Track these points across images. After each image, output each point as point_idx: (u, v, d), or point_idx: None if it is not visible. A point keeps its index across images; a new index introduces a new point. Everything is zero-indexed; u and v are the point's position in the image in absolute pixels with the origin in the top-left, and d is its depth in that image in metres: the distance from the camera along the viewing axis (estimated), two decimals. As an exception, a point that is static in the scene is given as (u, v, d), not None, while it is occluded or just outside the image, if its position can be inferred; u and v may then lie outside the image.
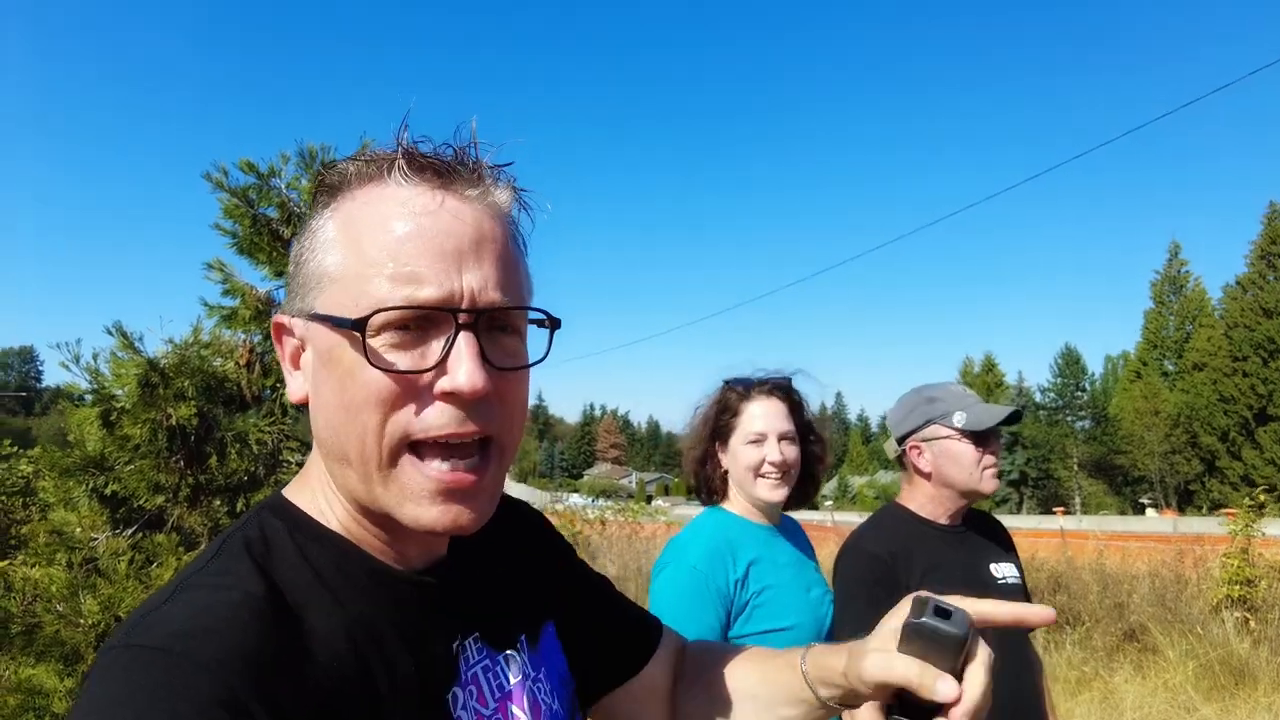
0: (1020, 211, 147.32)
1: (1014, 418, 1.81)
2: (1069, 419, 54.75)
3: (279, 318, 0.68)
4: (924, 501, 1.87)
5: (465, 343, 0.60)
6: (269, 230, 2.77)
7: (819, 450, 1.86)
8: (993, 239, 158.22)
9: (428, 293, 0.60)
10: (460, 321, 0.60)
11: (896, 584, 1.71)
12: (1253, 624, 5.60)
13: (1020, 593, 1.88)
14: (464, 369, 0.59)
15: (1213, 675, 5.26)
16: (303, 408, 0.69)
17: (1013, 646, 1.77)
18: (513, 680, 0.73)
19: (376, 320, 0.59)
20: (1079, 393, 57.12)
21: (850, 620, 1.73)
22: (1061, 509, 34.19)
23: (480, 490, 0.64)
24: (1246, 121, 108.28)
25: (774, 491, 1.75)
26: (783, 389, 1.84)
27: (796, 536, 1.89)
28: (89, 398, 2.54)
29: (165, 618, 0.56)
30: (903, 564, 1.75)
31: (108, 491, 2.47)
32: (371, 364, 0.59)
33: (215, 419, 2.63)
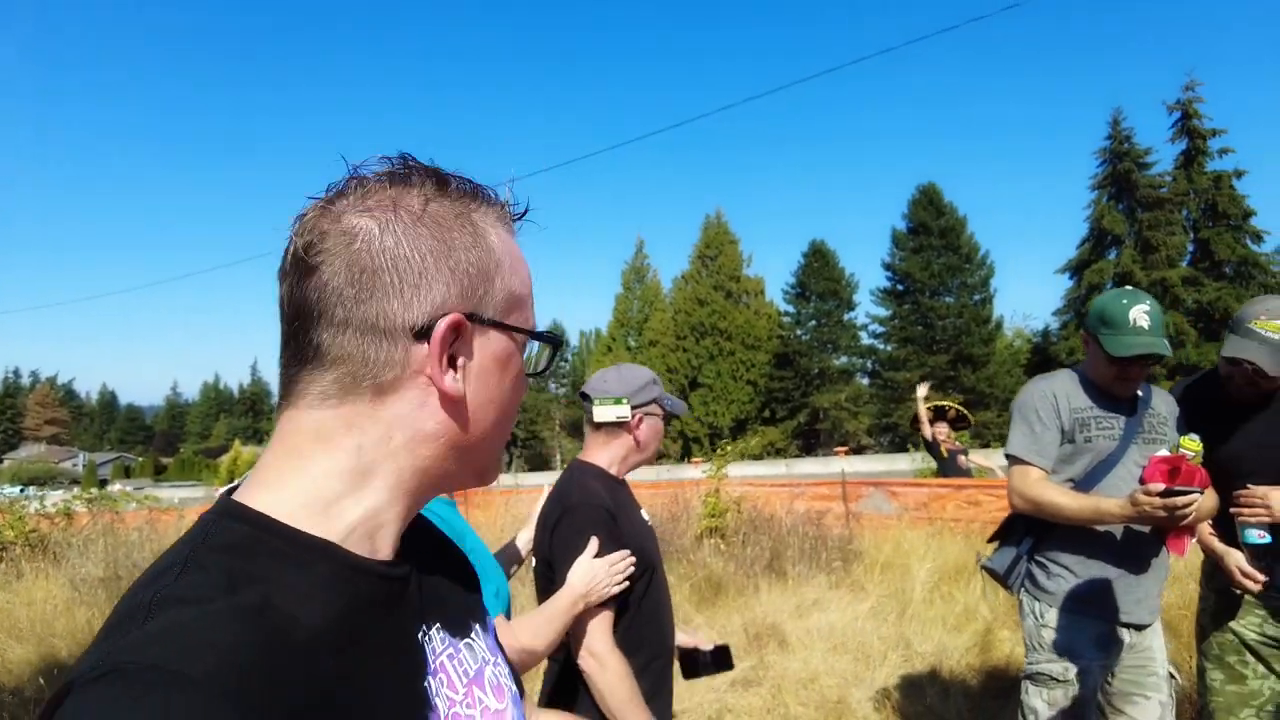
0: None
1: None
2: (552, 387, 61.70)
3: (455, 316, 0.65)
4: (613, 460, 2.05)
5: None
6: None
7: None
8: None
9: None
10: (553, 344, 0.76)
11: (621, 533, 1.89)
12: (723, 547, 7.11)
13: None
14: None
15: (700, 591, 6.55)
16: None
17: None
18: (474, 666, 0.75)
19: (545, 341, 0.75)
20: (562, 362, 64.77)
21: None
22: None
23: None
24: (696, 148, 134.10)
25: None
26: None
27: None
28: None
29: (149, 638, 0.53)
30: (621, 514, 1.93)
31: None
32: (529, 372, 0.74)
33: None
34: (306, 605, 0.59)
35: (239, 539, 0.61)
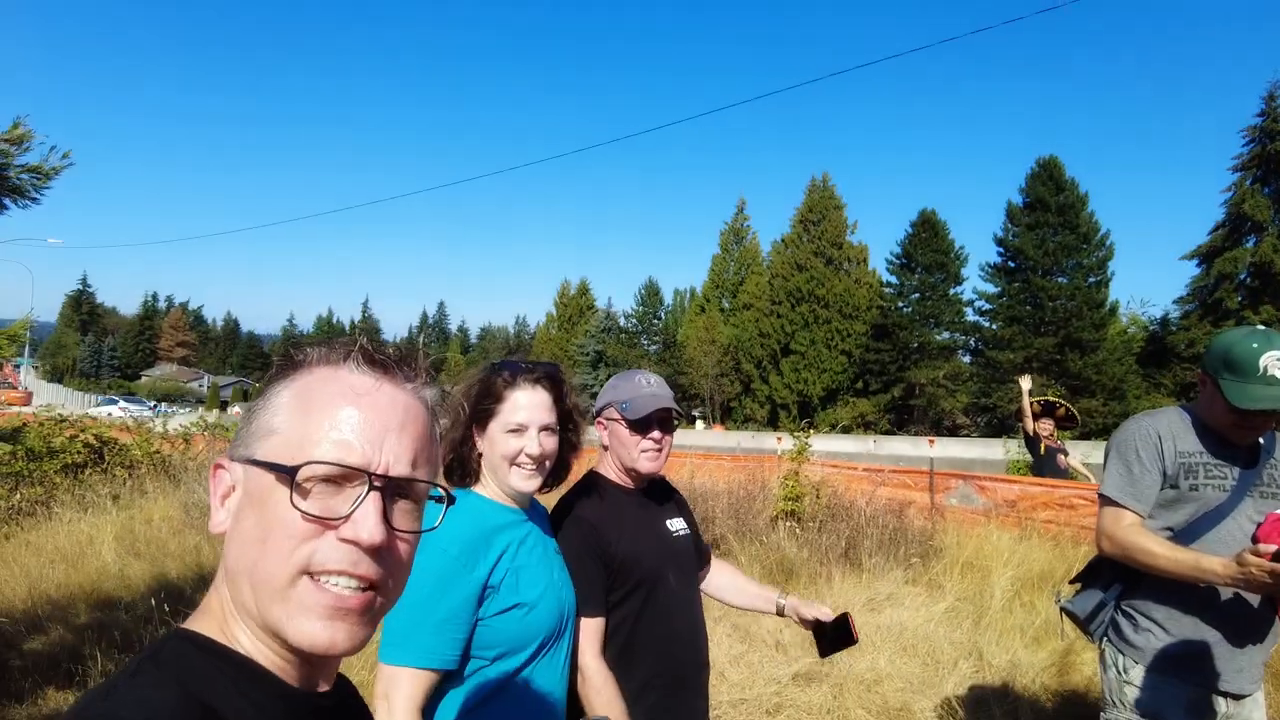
0: (619, 164, 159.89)
1: (665, 414, 2.02)
2: (644, 343, 61.90)
3: (220, 460, 0.78)
4: (613, 469, 2.07)
5: (373, 502, 0.73)
6: None
7: (575, 438, 1.86)
8: (595, 184, 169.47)
9: (354, 458, 0.73)
10: (373, 484, 0.73)
11: (608, 545, 1.91)
12: (798, 531, 7.02)
13: (690, 541, 2.17)
14: (368, 524, 0.72)
15: (771, 574, 6.50)
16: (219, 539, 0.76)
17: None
18: None
19: (306, 471, 0.72)
20: (655, 320, 64.82)
21: (585, 583, 1.84)
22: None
23: (363, 618, 0.73)
24: (805, 112, 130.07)
25: (526, 482, 1.72)
26: (550, 378, 1.78)
27: (543, 520, 1.89)
28: None
29: (115, 707, 0.62)
30: (613, 528, 1.93)
31: None
32: (294, 504, 0.71)
33: None
34: (241, 715, 0.68)
35: (185, 656, 0.71)
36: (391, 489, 0.75)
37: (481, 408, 1.74)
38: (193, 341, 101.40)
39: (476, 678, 1.60)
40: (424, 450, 0.79)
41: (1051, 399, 7.84)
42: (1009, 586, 5.96)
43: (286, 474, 0.72)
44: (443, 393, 0.86)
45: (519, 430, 1.71)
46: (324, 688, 0.80)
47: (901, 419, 46.00)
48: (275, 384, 0.79)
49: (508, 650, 1.62)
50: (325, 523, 0.72)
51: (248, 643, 0.74)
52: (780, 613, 2.24)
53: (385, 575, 0.75)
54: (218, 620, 0.75)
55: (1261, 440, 2.29)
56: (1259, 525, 2.07)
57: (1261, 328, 2.25)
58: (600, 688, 1.80)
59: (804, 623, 2.21)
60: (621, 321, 64.10)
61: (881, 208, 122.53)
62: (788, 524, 7.08)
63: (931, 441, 15.98)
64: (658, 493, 2.16)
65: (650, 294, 65.22)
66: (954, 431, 41.54)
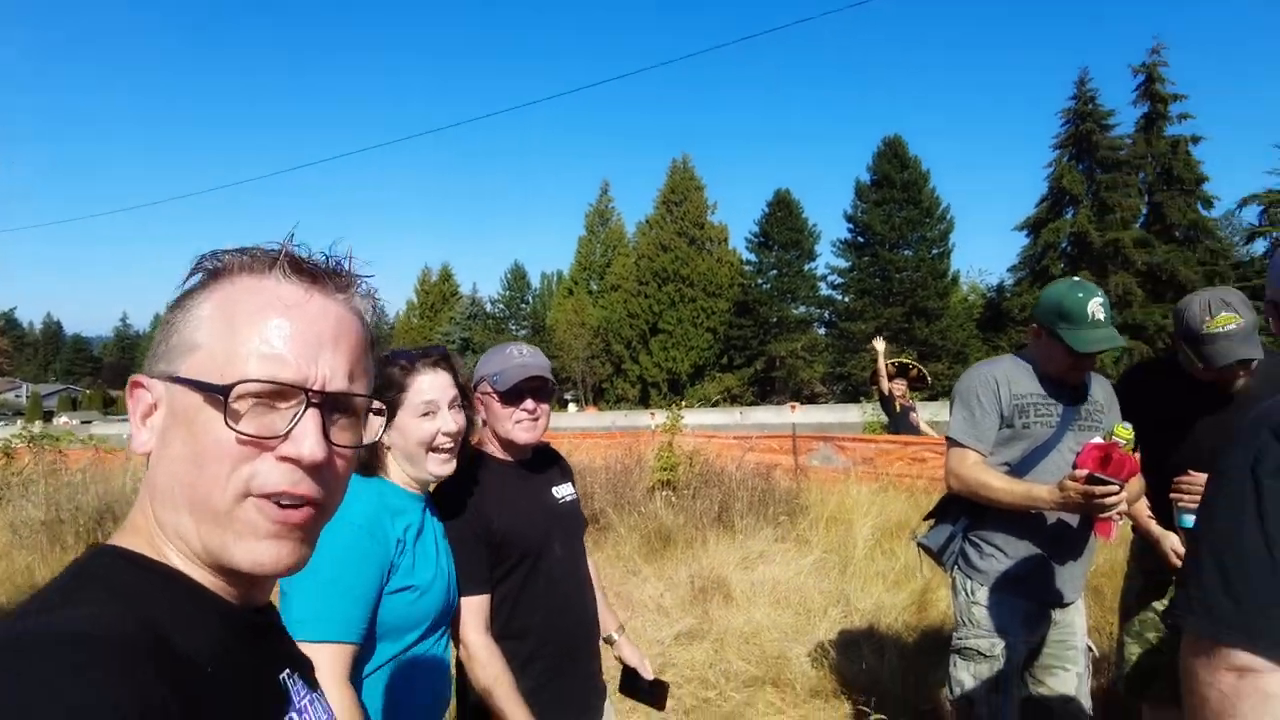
0: (476, 148, 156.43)
1: (538, 383, 1.99)
2: (513, 328, 61.28)
3: (137, 376, 0.73)
4: (491, 444, 2.06)
5: (311, 418, 0.70)
6: None
7: (472, 415, 1.84)
8: (452, 168, 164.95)
9: (288, 373, 0.69)
10: (310, 399, 0.70)
11: (489, 522, 1.91)
12: (674, 499, 7.21)
13: (577, 505, 2.21)
14: (309, 441, 0.69)
15: (650, 542, 6.65)
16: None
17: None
18: (325, 716, 0.81)
19: (239, 389, 0.68)
20: (523, 304, 64.26)
21: (467, 562, 1.84)
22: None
23: (305, 534, 0.72)
24: (664, 93, 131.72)
25: (443, 467, 1.70)
26: (446, 359, 1.76)
27: (430, 504, 1.86)
28: None
29: (47, 620, 0.58)
30: (493, 504, 1.93)
31: None
32: (228, 425, 0.67)
33: None
34: (181, 628, 0.65)
35: (118, 571, 0.68)
36: (329, 404, 0.72)
37: (384, 400, 1.70)
38: (4, 347, 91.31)
39: (364, 655, 1.58)
40: (360, 363, 0.76)
41: (905, 361, 8.41)
42: (870, 536, 6.39)
43: (218, 394, 0.68)
44: (375, 302, 0.80)
45: (431, 412, 1.69)
46: (260, 603, 0.78)
47: (765, 391, 47.94)
48: (193, 295, 0.73)
49: (395, 630, 1.61)
50: (263, 442, 0.69)
51: (179, 561, 0.71)
52: (608, 641, 2.30)
53: (325, 492, 0.73)
54: (145, 537, 0.71)
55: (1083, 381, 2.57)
56: (1078, 455, 2.33)
57: (1078, 279, 2.53)
58: (485, 662, 1.82)
59: (621, 661, 2.30)
60: (488, 307, 63.16)
61: (740, 189, 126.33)
62: (664, 493, 7.27)
63: (794, 407, 16.73)
64: (541, 462, 2.16)
65: (517, 278, 64.51)
66: (813, 400, 43.68)
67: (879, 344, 8.13)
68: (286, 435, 0.69)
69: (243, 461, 0.68)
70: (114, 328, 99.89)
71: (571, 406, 47.64)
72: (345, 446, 0.74)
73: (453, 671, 1.84)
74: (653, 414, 11.29)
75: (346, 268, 0.77)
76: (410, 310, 65.52)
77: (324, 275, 0.75)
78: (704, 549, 6.41)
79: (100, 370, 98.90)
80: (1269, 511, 1.11)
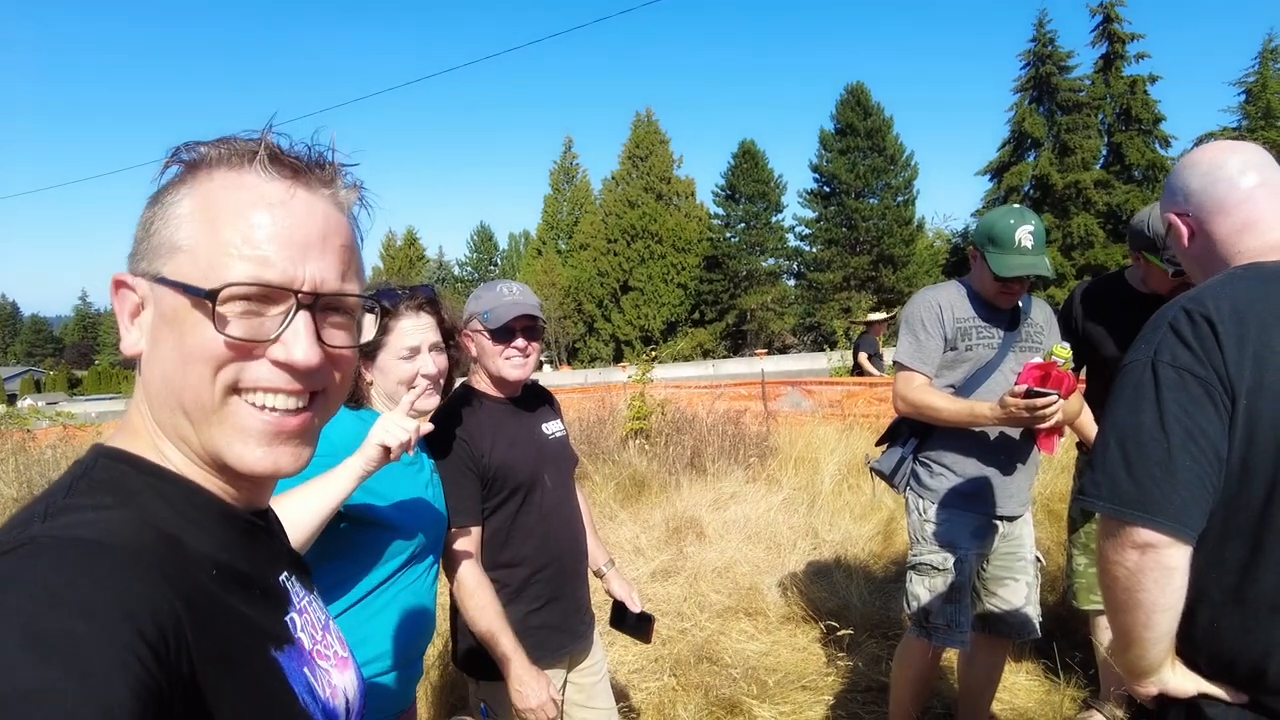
0: (442, 102, 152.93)
1: (528, 321, 2.02)
2: (483, 291, 60.73)
3: (121, 275, 0.71)
4: (483, 381, 2.13)
5: (303, 321, 0.68)
6: None
7: (457, 355, 1.91)
8: (412, 127, 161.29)
9: (273, 274, 0.67)
10: (300, 302, 0.68)
11: (480, 456, 1.99)
12: (647, 447, 7.36)
13: (566, 440, 2.28)
14: (300, 345, 0.68)
15: (625, 489, 6.80)
16: (133, 361, 0.72)
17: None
18: (323, 616, 0.84)
19: (225, 294, 0.65)
20: (491, 266, 63.67)
21: (458, 496, 1.94)
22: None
23: (304, 438, 0.72)
24: (625, 44, 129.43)
25: (424, 401, 1.77)
26: (431, 302, 1.82)
27: (422, 441, 1.93)
28: None
29: (56, 525, 0.57)
30: (485, 440, 2.01)
31: None
32: (216, 329, 0.66)
33: None
34: (185, 529, 0.66)
35: (120, 474, 0.67)
36: (321, 305, 0.70)
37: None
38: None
39: (347, 579, 1.65)
40: (351, 260, 0.74)
41: (874, 318, 8.83)
42: (836, 473, 6.61)
43: (204, 298, 0.65)
44: (362, 193, 0.77)
45: (412, 355, 1.75)
46: (261, 506, 0.78)
47: (737, 345, 48.22)
48: (171, 190, 0.70)
49: (370, 552, 1.66)
50: (253, 346, 0.67)
51: (180, 461, 0.70)
52: (598, 575, 2.42)
53: (322, 392, 0.72)
54: (145, 439, 0.71)
55: (1021, 304, 2.70)
56: (1018, 375, 2.47)
57: (1017, 207, 2.65)
58: (474, 591, 1.91)
59: (611, 594, 2.43)
60: (456, 271, 62.51)
61: (705, 141, 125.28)
62: (637, 441, 7.41)
63: (762, 354, 17.01)
64: (531, 399, 2.21)
65: (484, 240, 63.84)
66: (784, 351, 44.07)
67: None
68: (277, 338, 0.68)
69: (230, 362, 0.67)
70: (74, 306, 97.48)
71: (546, 367, 47.66)
72: (340, 347, 0.73)
73: (440, 604, 1.93)
74: (625, 367, 11.41)
75: (330, 159, 0.74)
76: (376, 275, 64.30)
77: (306, 168, 0.71)
78: (677, 493, 6.58)
79: (63, 351, 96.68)
80: (1165, 399, 1.25)
